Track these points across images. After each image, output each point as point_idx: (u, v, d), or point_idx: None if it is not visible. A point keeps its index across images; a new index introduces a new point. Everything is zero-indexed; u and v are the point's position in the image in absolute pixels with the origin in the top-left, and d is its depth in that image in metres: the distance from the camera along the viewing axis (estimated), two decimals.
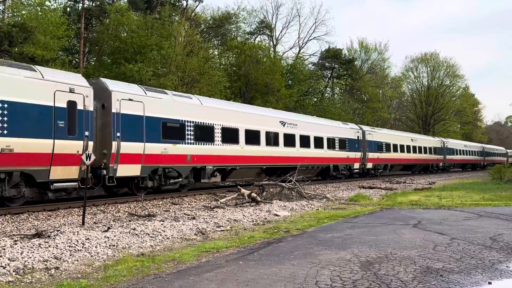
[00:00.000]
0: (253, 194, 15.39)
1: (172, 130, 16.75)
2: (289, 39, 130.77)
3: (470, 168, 59.37)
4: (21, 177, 12.33)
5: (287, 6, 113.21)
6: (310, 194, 18.05)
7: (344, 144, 29.13)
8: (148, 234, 9.16)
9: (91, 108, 13.89)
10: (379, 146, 34.07)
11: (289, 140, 23.66)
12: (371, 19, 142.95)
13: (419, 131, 64.80)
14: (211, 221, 11.10)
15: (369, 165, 32.30)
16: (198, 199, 17.00)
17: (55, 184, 12.87)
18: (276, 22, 53.46)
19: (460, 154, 53.91)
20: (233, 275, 6.07)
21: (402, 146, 38.33)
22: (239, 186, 17.21)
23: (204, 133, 18.18)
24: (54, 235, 8.48)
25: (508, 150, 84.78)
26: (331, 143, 27.60)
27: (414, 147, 40.94)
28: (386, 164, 35.34)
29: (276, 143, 22.57)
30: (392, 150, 36.13)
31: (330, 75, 56.60)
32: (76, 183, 13.43)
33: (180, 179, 17.33)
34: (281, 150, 22.86)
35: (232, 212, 12.77)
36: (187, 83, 29.91)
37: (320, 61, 55.44)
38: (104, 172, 14.57)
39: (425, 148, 43.48)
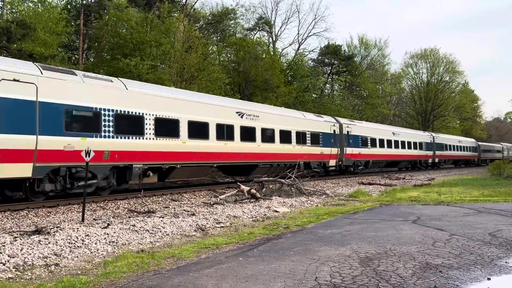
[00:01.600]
0: (253, 191, 15.40)
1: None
2: (289, 35, 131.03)
3: (410, 167, 42.75)
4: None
5: (287, 1, 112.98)
6: (310, 190, 18.07)
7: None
8: (148, 231, 9.17)
9: None
10: (161, 124, 16.22)
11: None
12: (371, 16, 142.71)
13: (419, 127, 64.82)
14: (210, 217, 11.11)
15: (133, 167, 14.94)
16: (198, 196, 17.02)
17: None
18: (275, 18, 53.54)
19: (381, 146, 34.56)
20: (233, 271, 6.08)
21: (247, 130, 20.54)
22: (238, 183, 17.23)
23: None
24: (53, 232, 8.49)
25: (481, 143, 66.46)
26: None
27: (270, 133, 22.18)
28: (178, 166, 16.99)
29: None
30: (207, 135, 18.30)
31: (329, 71, 56.57)
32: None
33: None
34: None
35: (232, 209, 12.78)
36: (186, 79, 29.88)
37: (320, 57, 55.43)
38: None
39: (286, 133, 23.29)
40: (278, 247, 7.68)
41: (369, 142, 32.82)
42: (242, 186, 15.92)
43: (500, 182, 23.10)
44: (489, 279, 5.58)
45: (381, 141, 34.86)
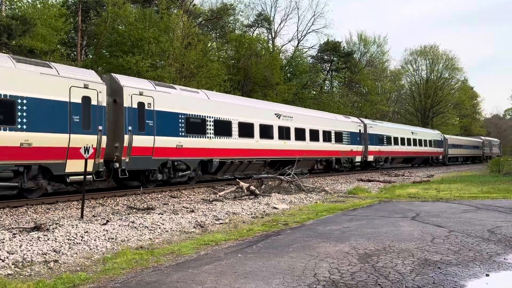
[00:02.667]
0: (252, 187, 15.42)
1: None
2: (288, 31, 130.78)
3: (320, 168, 28.35)
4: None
5: None
6: (309, 187, 18.08)
7: None
8: (147, 227, 9.18)
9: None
10: None
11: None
12: (370, 12, 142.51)
13: (418, 124, 64.79)
14: (210, 214, 11.12)
15: None
16: (197, 192, 17.02)
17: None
18: (274, 15, 53.60)
19: (245, 135, 20.72)
20: (232, 268, 6.08)
21: None
22: (237, 179, 17.24)
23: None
24: (53, 228, 8.49)
25: (449, 137, 52.79)
26: None
27: None
28: None
29: None
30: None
31: (329, 68, 56.55)
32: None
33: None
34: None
35: (231, 205, 12.79)
36: (185, 76, 29.84)
37: (319, 54, 55.39)
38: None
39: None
40: (277, 243, 7.69)
41: (210, 127, 18.53)
42: (242, 183, 15.93)
43: (499, 179, 23.12)
44: (487, 275, 5.59)
45: (244, 126, 20.37)
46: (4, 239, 7.59)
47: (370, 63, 62.99)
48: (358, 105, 56.54)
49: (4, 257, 6.58)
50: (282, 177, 17.97)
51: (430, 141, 45.32)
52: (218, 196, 14.96)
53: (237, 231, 8.97)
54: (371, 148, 33.25)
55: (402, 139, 38.85)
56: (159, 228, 9.20)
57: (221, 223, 10.07)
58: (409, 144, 40.00)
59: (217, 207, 12.43)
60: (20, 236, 7.93)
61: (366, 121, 34.14)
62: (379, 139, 34.58)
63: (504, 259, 6.39)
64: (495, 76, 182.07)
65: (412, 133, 41.65)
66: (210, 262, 6.46)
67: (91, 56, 33.61)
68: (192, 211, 11.62)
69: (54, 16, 25.49)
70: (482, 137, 68.01)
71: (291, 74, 47.86)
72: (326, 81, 57.11)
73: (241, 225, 9.78)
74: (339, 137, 29.02)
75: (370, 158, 33.13)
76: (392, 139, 36.89)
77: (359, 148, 31.53)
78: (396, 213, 11.19)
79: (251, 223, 10.06)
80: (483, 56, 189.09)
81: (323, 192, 17.11)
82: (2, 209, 11.76)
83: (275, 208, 12.65)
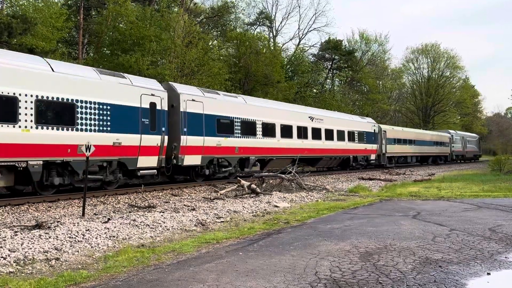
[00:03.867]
0: (253, 186, 15.42)
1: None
2: (289, 30, 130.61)
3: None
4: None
5: None
6: (310, 185, 18.08)
7: None
8: (148, 225, 9.18)
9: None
10: None
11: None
12: (372, 11, 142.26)
13: (419, 122, 64.69)
14: (211, 212, 11.13)
15: None
16: (198, 191, 17.02)
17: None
18: (276, 13, 53.40)
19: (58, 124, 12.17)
20: (233, 266, 6.09)
21: None
22: (238, 178, 17.24)
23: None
24: (54, 226, 8.50)
25: (388, 128, 37.98)
26: None
27: None
28: None
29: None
30: None
31: (330, 66, 56.50)
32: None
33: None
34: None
35: (232, 204, 12.79)
36: (186, 74, 29.83)
37: (320, 53, 55.36)
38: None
39: None
40: (278, 242, 7.69)
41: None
42: (243, 181, 15.94)
43: (500, 177, 23.09)
44: (489, 274, 5.58)
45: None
46: (5, 237, 7.60)
47: (372, 61, 62.93)
48: (359, 104, 56.50)
49: (6, 255, 6.59)
50: (283, 175, 17.97)
51: (351, 133, 30.19)
52: (219, 195, 14.96)
53: (238, 229, 8.97)
54: (194, 140, 17.81)
55: (288, 128, 23.59)
56: (160, 226, 9.21)
57: (222, 221, 10.08)
58: (304, 136, 24.90)
59: (218, 205, 12.43)
60: (21, 234, 7.94)
61: (182, 88, 18.24)
62: (225, 126, 19.48)
63: (506, 257, 6.38)
64: (496, 75, 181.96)
65: (312, 119, 25.99)
66: (211, 260, 6.46)
67: (92, 55, 33.61)
68: (193, 209, 11.62)
69: (55, 15, 25.49)
70: (451, 131, 53.50)
71: (292, 72, 47.84)
72: (328, 80, 57.07)
73: (242, 223, 9.79)
74: (68, 116, 13.28)
75: (191, 160, 17.79)
76: (260, 126, 21.52)
77: (154, 140, 16.10)
78: (397, 212, 11.19)
79: (252, 221, 10.06)
80: (484, 55, 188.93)
81: (324, 191, 17.11)
82: (3, 207, 11.78)
83: (276, 206, 12.66)
